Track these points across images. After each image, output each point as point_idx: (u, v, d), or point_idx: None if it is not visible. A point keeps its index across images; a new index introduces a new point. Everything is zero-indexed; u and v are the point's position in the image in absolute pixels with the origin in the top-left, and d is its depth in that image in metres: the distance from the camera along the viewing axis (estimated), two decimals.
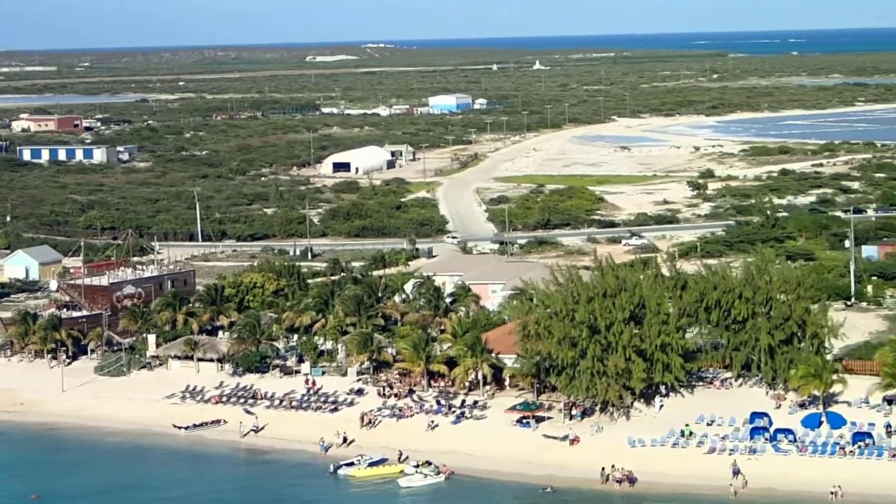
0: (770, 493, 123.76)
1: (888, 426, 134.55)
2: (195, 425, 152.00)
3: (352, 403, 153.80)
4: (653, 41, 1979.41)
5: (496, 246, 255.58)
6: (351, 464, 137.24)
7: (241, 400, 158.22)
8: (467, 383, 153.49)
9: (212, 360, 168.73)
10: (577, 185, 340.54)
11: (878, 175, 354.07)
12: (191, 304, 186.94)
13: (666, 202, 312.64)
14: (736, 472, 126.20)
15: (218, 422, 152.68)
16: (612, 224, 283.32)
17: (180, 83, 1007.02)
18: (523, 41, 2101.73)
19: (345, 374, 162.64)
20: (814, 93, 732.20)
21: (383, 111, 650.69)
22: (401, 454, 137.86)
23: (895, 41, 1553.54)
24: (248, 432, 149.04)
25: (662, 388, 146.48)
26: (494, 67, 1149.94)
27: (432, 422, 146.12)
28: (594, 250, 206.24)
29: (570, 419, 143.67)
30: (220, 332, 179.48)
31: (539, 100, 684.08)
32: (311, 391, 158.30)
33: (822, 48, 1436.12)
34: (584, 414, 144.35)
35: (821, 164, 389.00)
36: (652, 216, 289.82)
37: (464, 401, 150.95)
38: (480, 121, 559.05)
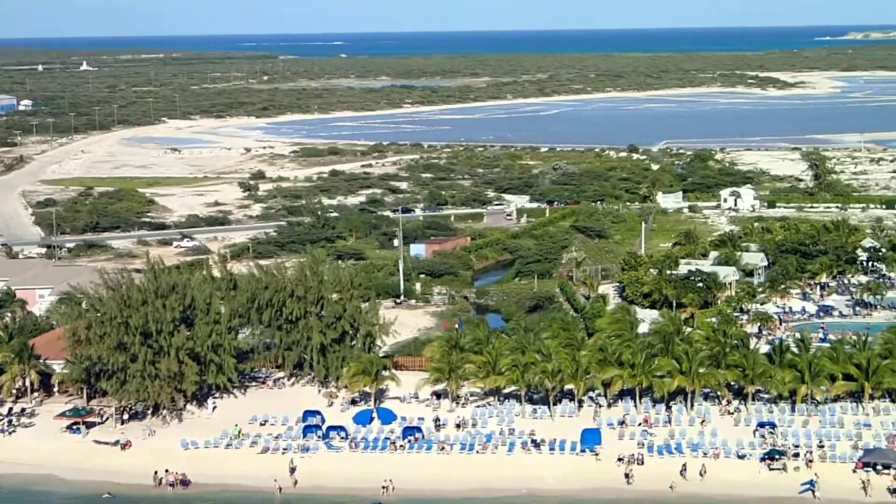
0: (322, 490, 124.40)
1: (437, 420, 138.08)
2: None
3: None
4: (202, 43, 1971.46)
5: (43, 250, 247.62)
6: None
7: None
8: (14, 391, 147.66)
9: None
10: (127, 188, 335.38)
11: (425, 175, 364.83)
12: None
13: (217, 204, 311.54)
14: (293, 470, 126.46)
15: None
16: (164, 226, 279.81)
17: None
18: (70, 41, 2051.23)
19: None
20: (362, 95, 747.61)
21: None
22: None
23: (441, 46, 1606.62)
24: None
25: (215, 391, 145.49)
26: (40, 68, 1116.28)
27: None
28: (146, 253, 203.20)
29: (122, 423, 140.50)
30: None
31: (87, 101, 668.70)
32: None
33: (369, 51, 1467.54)
34: (135, 417, 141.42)
35: (370, 165, 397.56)
36: (203, 218, 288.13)
37: (11, 409, 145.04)
38: (26, 122, 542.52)
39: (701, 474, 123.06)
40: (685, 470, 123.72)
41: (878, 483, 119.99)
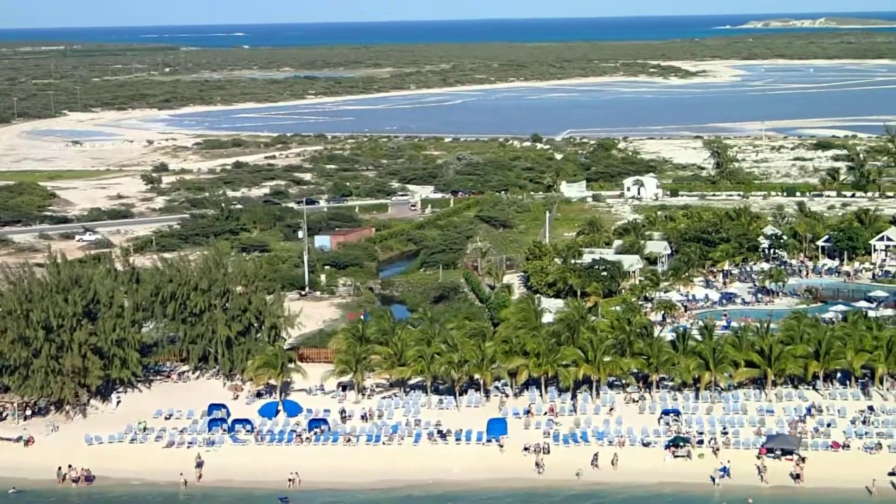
0: (228, 484, 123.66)
1: (343, 412, 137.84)
2: None
3: None
4: (102, 35, 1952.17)
5: None
6: None
7: None
8: None
9: None
10: (28, 181, 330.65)
11: (329, 166, 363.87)
12: None
13: (120, 197, 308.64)
14: (200, 465, 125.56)
15: None
16: (66, 220, 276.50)
17: None
18: None
19: None
20: (265, 86, 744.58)
21: None
22: None
23: (343, 35, 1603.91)
24: None
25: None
26: None
27: None
28: (48, 247, 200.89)
29: (25, 419, 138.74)
30: None
31: None
32: None
33: (272, 42, 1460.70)
34: (38, 413, 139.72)
35: (274, 157, 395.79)
36: (106, 211, 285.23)
37: None
38: None
39: (613, 463, 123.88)
40: (596, 459, 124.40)
41: (781, 468, 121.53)
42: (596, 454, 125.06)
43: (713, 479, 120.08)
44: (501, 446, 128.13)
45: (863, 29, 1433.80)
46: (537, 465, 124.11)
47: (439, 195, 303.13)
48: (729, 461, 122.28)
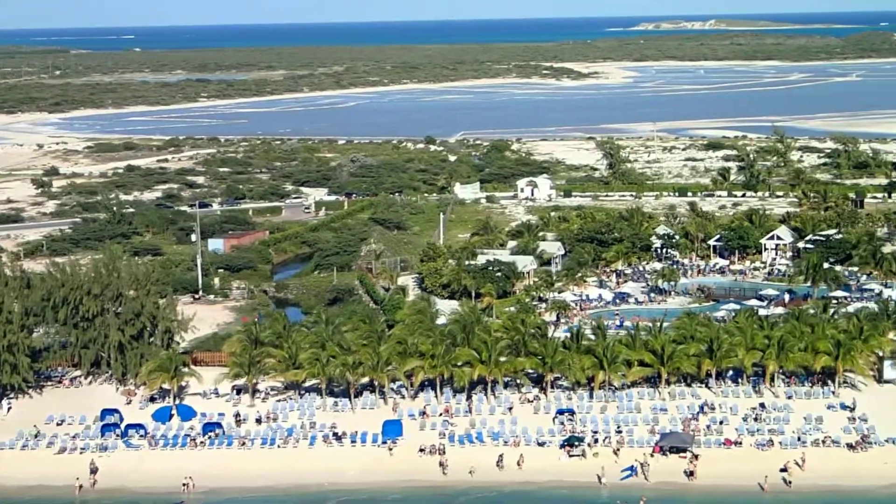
0: (122, 490, 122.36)
1: (237, 415, 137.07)
2: None
3: None
4: None
5: None
6: None
7: None
8: None
9: None
10: None
11: (222, 169, 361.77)
12: None
13: (10, 201, 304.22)
14: (94, 471, 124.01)
15: None
16: None
17: None
18: None
19: None
20: (157, 89, 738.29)
21: None
22: None
23: (235, 38, 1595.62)
24: None
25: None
26: None
27: None
28: None
29: None
30: None
31: None
32: None
33: (163, 45, 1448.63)
34: None
35: (166, 160, 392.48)
36: None
37: None
38: None
39: (518, 464, 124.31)
40: (501, 460, 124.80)
41: (674, 466, 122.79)
42: (501, 455, 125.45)
43: (599, 479, 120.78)
44: (390, 450, 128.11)
45: (752, 31, 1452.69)
46: (441, 465, 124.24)
47: (333, 197, 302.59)
48: (637, 460, 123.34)
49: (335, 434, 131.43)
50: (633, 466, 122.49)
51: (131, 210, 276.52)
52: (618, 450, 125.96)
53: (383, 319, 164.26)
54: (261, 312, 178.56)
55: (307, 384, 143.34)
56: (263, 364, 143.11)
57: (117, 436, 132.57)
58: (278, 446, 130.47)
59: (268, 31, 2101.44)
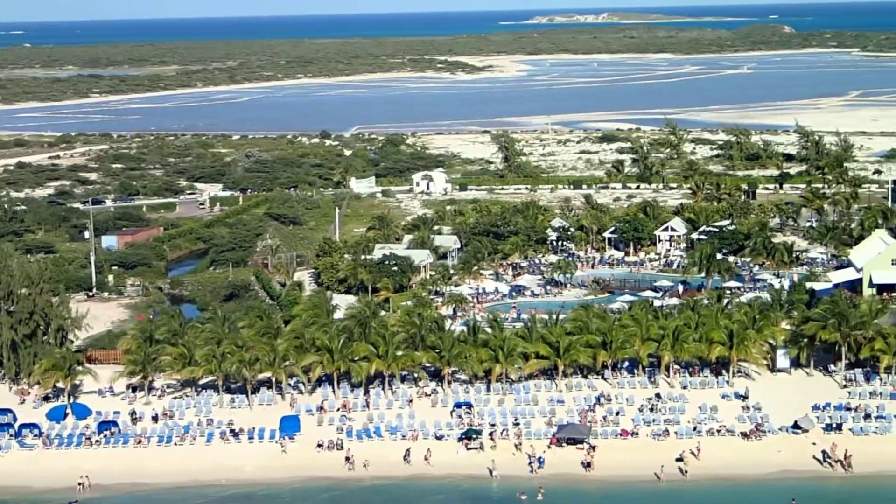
0: (15, 491, 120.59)
1: (133, 413, 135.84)
2: None
3: None
4: None
5: None
6: None
7: None
8: None
9: None
10: None
11: (115, 166, 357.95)
12: None
13: None
14: None
15: None
16: None
17: None
18: None
19: None
20: (48, 85, 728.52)
21: None
22: None
23: (127, 33, 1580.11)
24: None
25: None
26: None
27: None
28: None
29: None
30: None
31: None
32: None
33: (54, 40, 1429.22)
34: None
35: (58, 157, 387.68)
36: None
37: None
38: None
39: (426, 459, 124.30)
40: (409, 455, 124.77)
41: (572, 457, 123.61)
42: (408, 450, 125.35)
43: (491, 472, 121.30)
44: (282, 447, 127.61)
45: (644, 24, 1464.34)
46: (347, 459, 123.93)
47: (228, 193, 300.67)
48: (545, 451, 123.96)
49: (232, 431, 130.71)
50: (541, 457, 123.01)
51: (23, 207, 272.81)
52: (519, 444, 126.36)
53: (280, 315, 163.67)
54: (156, 310, 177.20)
55: (204, 381, 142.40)
56: (159, 361, 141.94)
57: (11, 436, 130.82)
58: (175, 444, 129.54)
59: (160, 27, 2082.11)
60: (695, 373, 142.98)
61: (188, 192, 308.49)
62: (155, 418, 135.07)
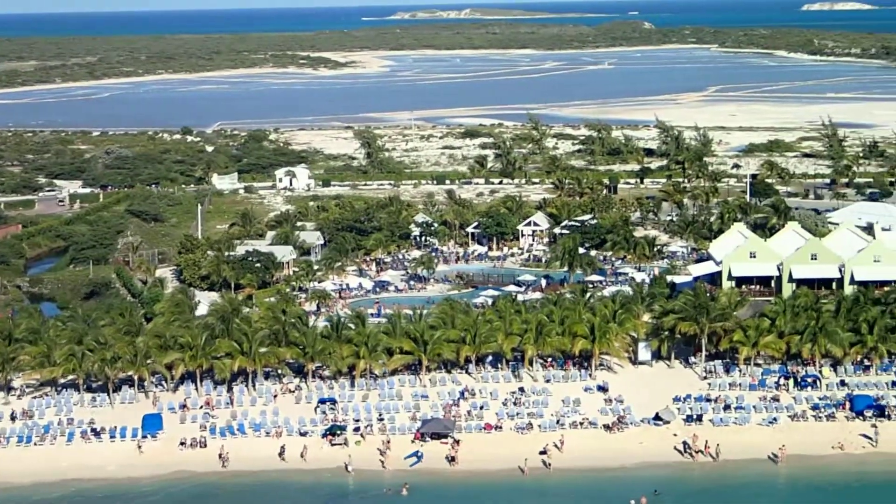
0: None
1: None
2: None
3: None
4: None
5: None
6: None
7: None
8: None
9: None
10: None
11: None
12: None
13: None
14: None
15: None
16: None
17: None
18: None
19: None
20: None
21: None
22: None
23: None
24: None
25: None
26: None
27: None
28: None
29: None
30: None
31: None
32: None
33: None
34: None
35: None
36: None
37: None
38: None
39: (302, 455, 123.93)
40: (283, 451, 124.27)
41: (437, 452, 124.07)
42: (283, 446, 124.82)
43: (346, 467, 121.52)
44: (139, 446, 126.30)
45: (507, 20, 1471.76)
46: (220, 457, 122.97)
47: (88, 190, 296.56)
48: (423, 445, 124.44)
49: (93, 429, 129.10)
50: (417, 452, 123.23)
51: None
52: (388, 440, 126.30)
53: (141, 312, 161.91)
54: (14, 308, 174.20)
55: (64, 380, 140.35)
56: (18, 361, 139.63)
57: None
58: (35, 443, 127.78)
59: (16, 22, 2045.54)
60: (567, 366, 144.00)
61: (47, 188, 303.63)
62: (14, 418, 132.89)
